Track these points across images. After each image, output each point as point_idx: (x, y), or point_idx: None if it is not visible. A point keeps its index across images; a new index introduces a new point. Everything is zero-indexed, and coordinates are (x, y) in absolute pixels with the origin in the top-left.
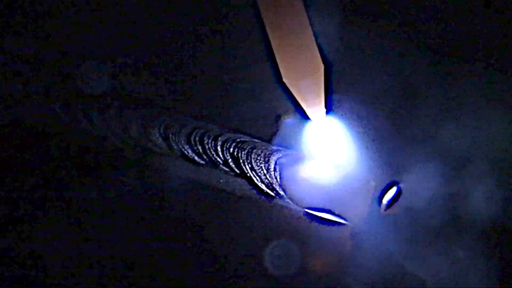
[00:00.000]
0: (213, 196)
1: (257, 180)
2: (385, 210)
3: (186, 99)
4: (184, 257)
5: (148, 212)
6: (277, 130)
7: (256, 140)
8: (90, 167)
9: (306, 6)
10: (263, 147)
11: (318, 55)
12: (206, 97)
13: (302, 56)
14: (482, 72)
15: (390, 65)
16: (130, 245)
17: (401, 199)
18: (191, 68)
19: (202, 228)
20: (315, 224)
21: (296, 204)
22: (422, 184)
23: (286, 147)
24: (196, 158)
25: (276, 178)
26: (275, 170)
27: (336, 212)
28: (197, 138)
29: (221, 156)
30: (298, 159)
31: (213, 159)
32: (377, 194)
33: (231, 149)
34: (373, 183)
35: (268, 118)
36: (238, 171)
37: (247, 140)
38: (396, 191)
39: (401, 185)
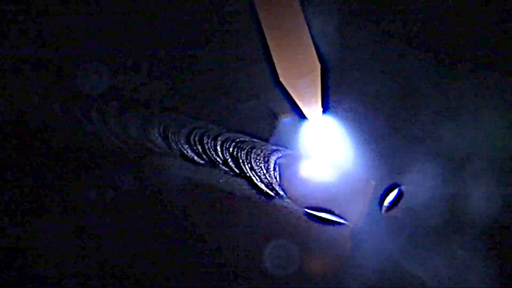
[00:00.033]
0: (213, 196)
1: (256, 180)
2: (386, 212)
3: (185, 99)
4: (183, 257)
5: (147, 212)
6: (274, 129)
7: (256, 140)
8: (89, 166)
9: (304, 6)
10: (263, 147)
11: (315, 55)
12: (205, 97)
13: (299, 56)
14: (481, 72)
15: (389, 65)
16: (129, 244)
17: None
18: (190, 68)
19: (201, 227)
20: (314, 224)
21: (296, 204)
22: (421, 184)
23: (284, 146)
24: (195, 158)
25: (275, 178)
26: (274, 170)
27: (336, 212)
28: (196, 138)
29: (220, 156)
30: (297, 159)
31: (213, 159)
32: (378, 194)
33: (231, 149)
34: (372, 183)
35: (268, 118)
36: (237, 171)
37: (247, 140)
38: (397, 193)
39: (402, 187)
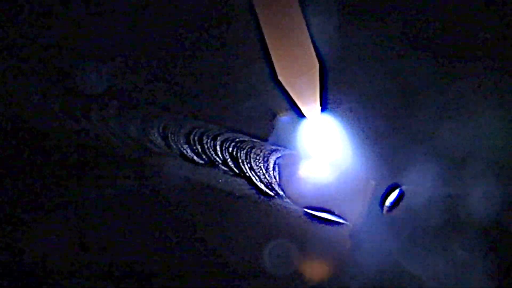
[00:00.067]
0: (212, 196)
1: (256, 179)
2: (388, 212)
3: (184, 99)
4: (183, 256)
5: (147, 212)
6: (273, 128)
7: (255, 140)
8: (89, 166)
9: (302, 5)
10: (262, 147)
11: (313, 53)
12: (205, 97)
13: (297, 54)
14: (481, 72)
15: (389, 65)
16: (129, 244)
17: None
18: (189, 68)
19: (201, 227)
20: (314, 223)
21: (295, 203)
22: (421, 184)
23: (283, 145)
24: (195, 157)
25: (275, 177)
26: (274, 169)
27: (335, 212)
28: (196, 138)
29: (220, 155)
30: (297, 158)
31: (212, 158)
32: (378, 194)
33: (230, 149)
34: (372, 182)
35: (267, 117)
36: (237, 171)
37: (246, 139)
38: (398, 194)
39: (403, 187)
